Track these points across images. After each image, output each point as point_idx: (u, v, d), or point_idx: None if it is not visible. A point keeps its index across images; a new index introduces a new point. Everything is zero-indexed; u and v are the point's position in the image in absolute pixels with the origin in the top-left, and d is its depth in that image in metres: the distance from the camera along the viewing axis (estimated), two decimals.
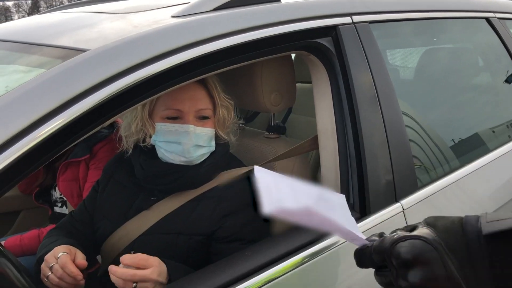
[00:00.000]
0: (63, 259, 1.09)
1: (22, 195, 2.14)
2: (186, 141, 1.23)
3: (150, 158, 1.29)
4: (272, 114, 1.56)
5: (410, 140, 1.35)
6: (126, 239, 1.27)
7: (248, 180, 1.30)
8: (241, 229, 1.23)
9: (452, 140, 1.61)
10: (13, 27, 1.44)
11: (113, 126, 2.05)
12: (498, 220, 0.59)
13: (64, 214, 1.98)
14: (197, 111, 1.26)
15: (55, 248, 1.15)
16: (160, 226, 1.24)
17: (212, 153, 1.30)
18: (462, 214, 0.64)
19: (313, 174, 1.67)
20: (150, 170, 1.27)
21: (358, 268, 0.70)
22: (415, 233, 0.62)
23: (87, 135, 0.89)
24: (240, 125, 1.61)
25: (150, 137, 1.29)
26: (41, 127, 0.81)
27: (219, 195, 1.25)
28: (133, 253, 1.21)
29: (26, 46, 1.16)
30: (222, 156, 1.32)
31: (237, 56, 1.08)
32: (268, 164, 1.42)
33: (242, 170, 1.31)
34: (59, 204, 2.01)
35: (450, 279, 0.58)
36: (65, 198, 1.94)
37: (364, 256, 0.68)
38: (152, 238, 1.24)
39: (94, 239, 1.35)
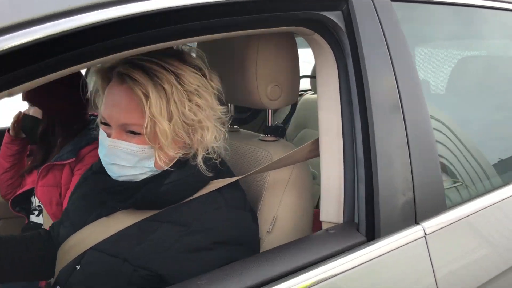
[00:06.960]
0: None
1: (1, 202, 1.96)
2: (102, 157, 0.97)
3: (101, 169, 1.03)
4: (269, 111, 1.30)
5: (438, 146, 1.07)
6: (78, 248, 1.04)
7: (235, 205, 1.01)
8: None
9: (494, 152, 1.30)
10: None
11: None
12: None
13: (39, 224, 1.76)
14: (121, 125, 0.94)
15: None
16: (111, 245, 0.99)
17: (181, 168, 0.99)
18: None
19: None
20: (98, 186, 1.05)
21: None
22: None
23: None
24: (235, 127, 1.36)
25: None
26: None
27: (188, 221, 0.95)
28: (78, 268, 1.02)
29: None
30: (193, 174, 0.99)
31: (211, 19, 0.82)
32: (260, 174, 1.16)
33: (223, 183, 1.02)
34: (36, 213, 1.80)
35: None
36: (42, 206, 1.73)
37: None
38: (99, 256, 0.99)
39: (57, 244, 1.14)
